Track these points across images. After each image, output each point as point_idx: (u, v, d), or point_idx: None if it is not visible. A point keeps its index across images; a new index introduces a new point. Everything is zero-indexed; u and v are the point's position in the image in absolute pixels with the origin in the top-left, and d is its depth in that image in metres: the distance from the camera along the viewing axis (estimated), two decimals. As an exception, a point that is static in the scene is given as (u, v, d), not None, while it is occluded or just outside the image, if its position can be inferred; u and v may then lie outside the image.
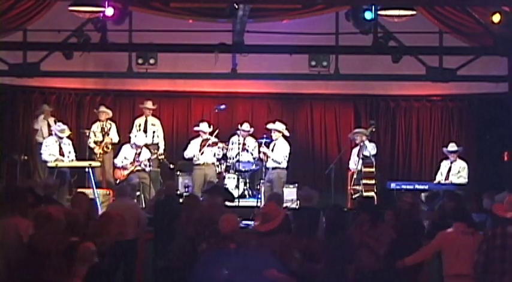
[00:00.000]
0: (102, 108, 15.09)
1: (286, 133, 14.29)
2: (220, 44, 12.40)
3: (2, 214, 6.33)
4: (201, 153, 14.21)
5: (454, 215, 7.94)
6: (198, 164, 14.23)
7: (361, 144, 14.39)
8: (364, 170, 14.17)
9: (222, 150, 14.38)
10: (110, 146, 14.96)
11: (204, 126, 14.41)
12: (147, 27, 13.58)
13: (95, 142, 14.91)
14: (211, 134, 14.39)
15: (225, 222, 6.84)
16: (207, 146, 14.23)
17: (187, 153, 14.38)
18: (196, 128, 14.51)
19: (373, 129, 14.69)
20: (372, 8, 11.32)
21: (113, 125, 15.14)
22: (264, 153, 14.10)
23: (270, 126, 14.30)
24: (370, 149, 14.35)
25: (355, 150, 14.55)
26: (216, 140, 14.34)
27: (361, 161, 14.26)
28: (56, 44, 12.73)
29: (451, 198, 9.51)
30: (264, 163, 14.15)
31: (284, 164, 13.94)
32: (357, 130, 14.82)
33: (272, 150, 14.06)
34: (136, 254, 9.99)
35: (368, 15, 11.43)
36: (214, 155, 14.31)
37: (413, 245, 8.21)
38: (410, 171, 16.06)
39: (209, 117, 15.48)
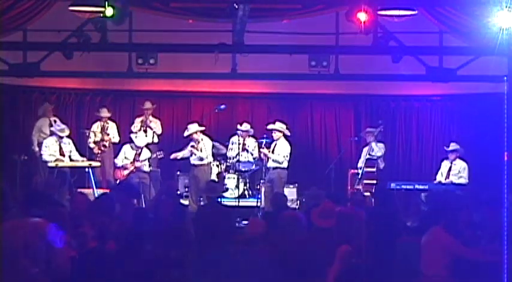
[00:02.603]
0: (104, 113, 15.09)
1: (287, 133, 14.29)
2: (220, 44, 12.39)
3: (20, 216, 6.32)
4: (191, 155, 14.19)
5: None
6: (191, 165, 14.23)
7: (370, 143, 14.47)
8: (365, 170, 14.24)
9: (194, 150, 14.16)
10: (108, 144, 14.96)
11: (193, 127, 14.32)
12: (147, 27, 13.57)
13: (95, 142, 14.93)
14: (203, 132, 14.34)
15: (251, 225, 6.88)
16: (194, 153, 14.17)
17: (175, 154, 14.34)
18: (186, 133, 14.41)
19: (381, 129, 14.73)
20: (365, 8, 11.32)
21: (113, 124, 15.16)
22: (265, 154, 14.11)
23: (270, 126, 14.30)
24: (377, 150, 14.39)
25: (366, 149, 14.60)
26: (200, 140, 14.18)
27: (365, 161, 14.32)
28: (56, 44, 12.71)
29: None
30: (265, 163, 14.15)
31: (285, 164, 13.94)
32: (367, 129, 14.88)
33: (273, 150, 14.06)
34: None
35: (362, 16, 11.42)
36: (199, 157, 14.16)
37: None
38: (411, 171, 16.07)
39: (209, 117, 15.49)
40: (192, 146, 14.07)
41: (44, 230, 6.00)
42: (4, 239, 5.97)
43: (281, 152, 13.94)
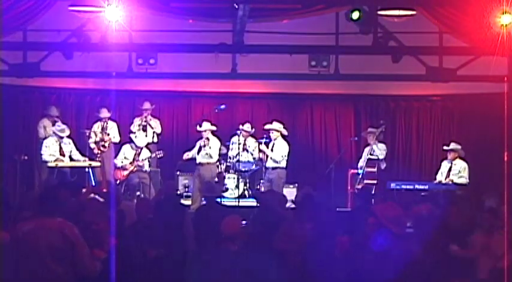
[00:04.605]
0: (104, 113, 15.09)
1: (285, 132, 14.30)
2: (220, 44, 12.41)
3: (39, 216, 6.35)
4: (198, 153, 14.21)
5: None
6: (196, 164, 14.25)
7: (371, 144, 14.48)
8: (366, 169, 14.25)
9: (206, 148, 14.18)
10: (107, 144, 14.96)
11: (206, 125, 14.36)
12: (147, 27, 13.57)
13: (95, 142, 14.93)
14: (213, 132, 14.36)
15: (227, 223, 6.83)
16: (202, 146, 14.20)
17: (187, 154, 14.37)
18: (198, 128, 14.45)
19: (383, 130, 14.73)
20: (360, 7, 11.37)
21: (114, 124, 15.16)
22: (264, 153, 14.13)
23: (267, 126, 14.34)
24: (379, 153, 14.40)
25: (367, 149, 14.61)
26: (209, 139, 14.23)
27: (366, 161, 14.34)
28: (56, 44, 12.73)
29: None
30: (264, 163, 14.16)
31: (283, 164, 13.95)
32: (369, 129, 14.88)
33: (271, 150, 14.07)
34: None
35: (355, 15, 11.46)
36: (208, 155, 14.19)
37: None
38: (410, 171, 16.06)
39: (209, 117, 15.48)
40: (202, 143, 14.12)
41: (67, 229, 6.08)
42: (27, 240, 6.02)
43: (279, 152, 13.96)
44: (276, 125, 14.27)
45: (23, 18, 12.71)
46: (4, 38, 12.56)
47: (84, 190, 11.00)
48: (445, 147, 14.32)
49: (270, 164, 14.00)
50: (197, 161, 14.17)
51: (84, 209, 7.72)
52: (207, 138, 14.13)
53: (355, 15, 11.43)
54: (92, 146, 14.92)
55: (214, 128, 14.30)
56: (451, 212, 8.12)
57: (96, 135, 14.98)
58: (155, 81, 15.34)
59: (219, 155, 14.45)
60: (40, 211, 6.28)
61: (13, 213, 7.53)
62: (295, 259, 7.24)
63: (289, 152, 14.07)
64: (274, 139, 14.16)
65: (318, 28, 13.89)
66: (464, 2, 12.04)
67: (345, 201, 14.28)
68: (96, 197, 9.57)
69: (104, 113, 15.10)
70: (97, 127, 15.07)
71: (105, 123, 15.07)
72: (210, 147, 14.08)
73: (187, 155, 14.36)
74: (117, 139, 15.09)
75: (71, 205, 7.91)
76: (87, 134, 14.98)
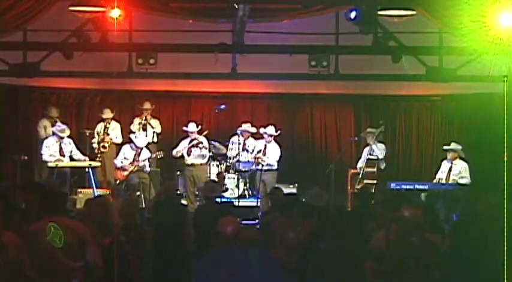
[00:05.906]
0: (107, 114, 15.08)
1: (277, 134, 14.43)
2: (220, 44, 12.41)
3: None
4: (188, 154, 14.21)
5: None
6: (187, 165, 14.26)
7: (371, 144, 14.49)
8: (366, 169, 14.26)
9: (202, 149, 14.25)
10: (107, 144, 14.96)
11: (191, 127, 14.37)
12: (147, 27, 13.57)
13: (98, 142, 14.95)
14: (199, 133, 14.38)
15: (225, 223, 6.81)
16: (193, 146, 14.21)
17: (176, 151, 14.38)
18: (184, 128, 14.50)
19: (382, 130, 14.73)
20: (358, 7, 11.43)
21: (117, 125, 15.15)
22: (258, 158, 14.24)
23: (262, 130, 14.48)
24: (378, 153, 14.40)
25: (367, 150, 14.61)
26: (200, 140, 14.26)
27: (366, 161, 14.34)
28: (56, 44, 12.72)
29: None
30: (256, 166, 14.33)
31: (275, 166, 14.19)
32: (368, 130, 14.89)
33: (264, 153, 14.18)
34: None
35: (353, 14, 11.51)
36: (203, 156, 14.24)
37: None
38: (411, 171, 16.06)
39: (209, 117, 15.49)
40: (198, 143, 14.14)
41: (78, 227, 6.14)
42: (38, 238, 6.06)
43: (273, 156, 14.21)
44: (271, 130, 14.38)
45: (23, 18, 12.70)
46: (4, 38, 12.55)
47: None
48: (445, 147, 14.31)
49: (264, 167, 14.17)
50: (188, 162, 14.21)
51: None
52: (198, 140, 14.17)
53: (353, 14, 11.50)
54: (95, 146, 14.94)
55: (199, 128, 14.35)
56: None
57: (99, 136, 15.00)
58: (155, 81, 15.34)
59: (211, 155, 14.52)
60: (45, 211, 6.33)
61: (17, 213, 7.53)
62: (295, 261, 7.24)
63: (280, 155, 14.24)
64: (269, 142, 14.29)
65: (318, 28, 13.88)
66: (464, 2, 12.02)
67: (345, 201, 14.28)
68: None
69: (107, 114, 15.10)
70: (100, 128, 15.08)
71: (107, 123, 15.07)
72: (200, 148, 14.13)
73: (177, 153, 14.39)
74: (119, 140, 15.07)
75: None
76: (88, 134, 14.99)
